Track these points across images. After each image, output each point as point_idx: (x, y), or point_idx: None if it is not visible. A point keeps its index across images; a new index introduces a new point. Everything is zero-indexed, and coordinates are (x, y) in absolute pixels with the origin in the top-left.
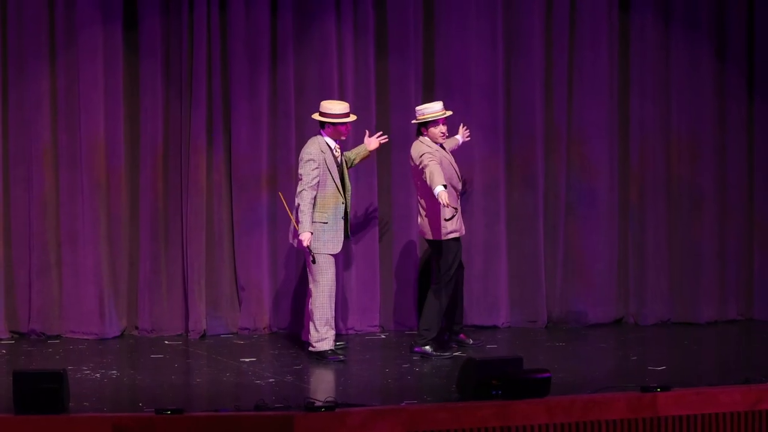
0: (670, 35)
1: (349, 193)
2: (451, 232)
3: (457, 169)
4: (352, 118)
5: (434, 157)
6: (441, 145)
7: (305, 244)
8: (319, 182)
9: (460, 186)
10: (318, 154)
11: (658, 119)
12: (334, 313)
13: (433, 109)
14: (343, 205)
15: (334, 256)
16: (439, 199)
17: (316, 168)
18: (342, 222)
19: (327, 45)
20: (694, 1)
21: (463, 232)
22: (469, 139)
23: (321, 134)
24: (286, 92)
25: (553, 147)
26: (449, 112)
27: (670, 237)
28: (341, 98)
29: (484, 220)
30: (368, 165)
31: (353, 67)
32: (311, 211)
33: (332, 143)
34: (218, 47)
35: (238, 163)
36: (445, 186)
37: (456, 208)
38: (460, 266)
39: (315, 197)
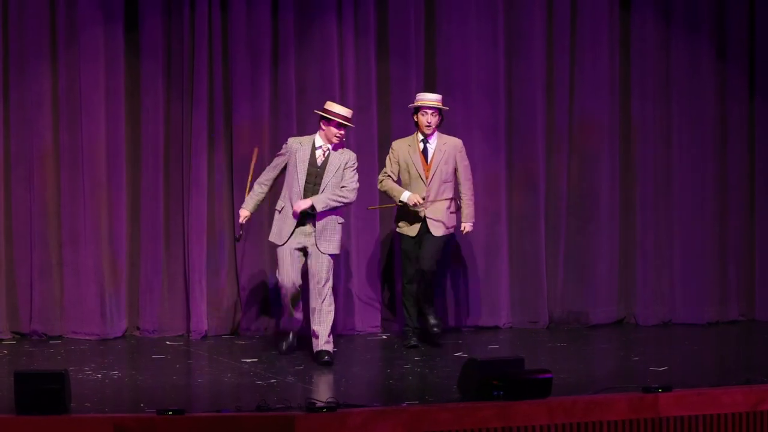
0: (670, 35)
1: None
2: (397, 227)
3: (420, 169)
4: (349, 125)
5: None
6: (426, 139)
7: (240, 220)
8: (285, 172)
9: (424, 184)
10: (292, 145)
11: (658, 119)
12: (292, 306)
13: (420, 97)
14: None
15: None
16: (409, 203)
17: (279, 156)
18: (295, 220)
19: (328, 45)
20: (695, 2)
21: (413, 234)
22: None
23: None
24: (287, 93)
25: (554, 147)
26: (431, 102)
27: (672, 237)
28: (342, 98)
29: (485, 220)
30: (368, 164)
31: (354, 67)
32: (255, 191)
33: (320, 142)
34: (219, 47)
35: (240, 163)
36: (403, 196)
37: (419, 203)
38: (420, 267)
39: (271, 182)
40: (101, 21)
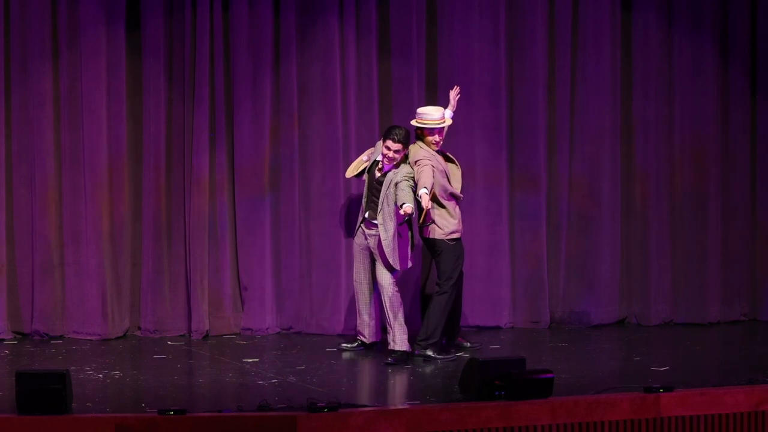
0: (673, 35)
1: (375, 210)
2: (452, 232)
3: (450, 177)
4: (379, 146)
5: (428, 163)
6: (439, 151)
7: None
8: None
9: (458, 192)
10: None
11: (661, 119)
12: (359, 306)
13: (431, 117)
14: (361, 213)
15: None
16: (421, 200)
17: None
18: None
19: (330, 45)
20: (698, 1)
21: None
22: (459, 96)
23: None
24: (289, 92)
25: (556, 147)
26: (448, 122)
27: (674, 237)
28: (344, 98)
29: (486, 220)
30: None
31: (356, 66)
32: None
33: (379, 158)
34: (221, 47)
35: (241, 162)
36: (428, 191)
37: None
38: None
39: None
40: (103, 21)
